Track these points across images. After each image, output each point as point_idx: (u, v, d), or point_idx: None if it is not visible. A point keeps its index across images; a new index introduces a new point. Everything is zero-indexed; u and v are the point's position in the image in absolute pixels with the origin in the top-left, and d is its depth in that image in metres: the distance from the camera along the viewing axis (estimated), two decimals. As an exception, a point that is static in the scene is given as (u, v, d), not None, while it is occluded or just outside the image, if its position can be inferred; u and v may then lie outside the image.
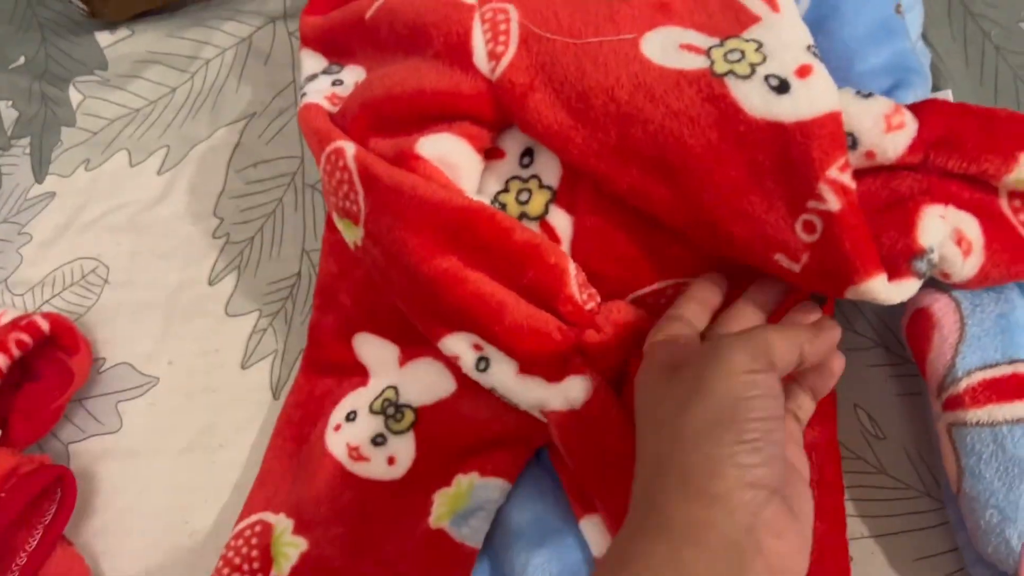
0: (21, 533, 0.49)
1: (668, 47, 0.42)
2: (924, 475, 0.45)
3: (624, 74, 0.41)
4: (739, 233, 0.39)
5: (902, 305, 0.48)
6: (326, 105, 0.50)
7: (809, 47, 0.40)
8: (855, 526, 0.45)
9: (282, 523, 0.47)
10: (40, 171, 0.63)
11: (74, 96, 0.65)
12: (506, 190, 0.47)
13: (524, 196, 0.47)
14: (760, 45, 0.40)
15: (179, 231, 0.59)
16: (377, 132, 0.48)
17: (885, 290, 0.38)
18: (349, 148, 0.45)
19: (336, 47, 0.54)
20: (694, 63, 0.41)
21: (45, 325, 0.53)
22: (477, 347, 0.44)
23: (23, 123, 0.65)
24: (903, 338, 0.45)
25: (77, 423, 0.54)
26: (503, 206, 0.47)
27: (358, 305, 0.51)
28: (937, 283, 0.44)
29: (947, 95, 0.48)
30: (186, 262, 0.58)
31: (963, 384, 0.41)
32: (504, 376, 0.43)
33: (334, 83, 0.52)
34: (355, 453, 0.47)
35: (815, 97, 0.38)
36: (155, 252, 0.58)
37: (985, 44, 0.53)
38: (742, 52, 0.40)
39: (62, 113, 0.64)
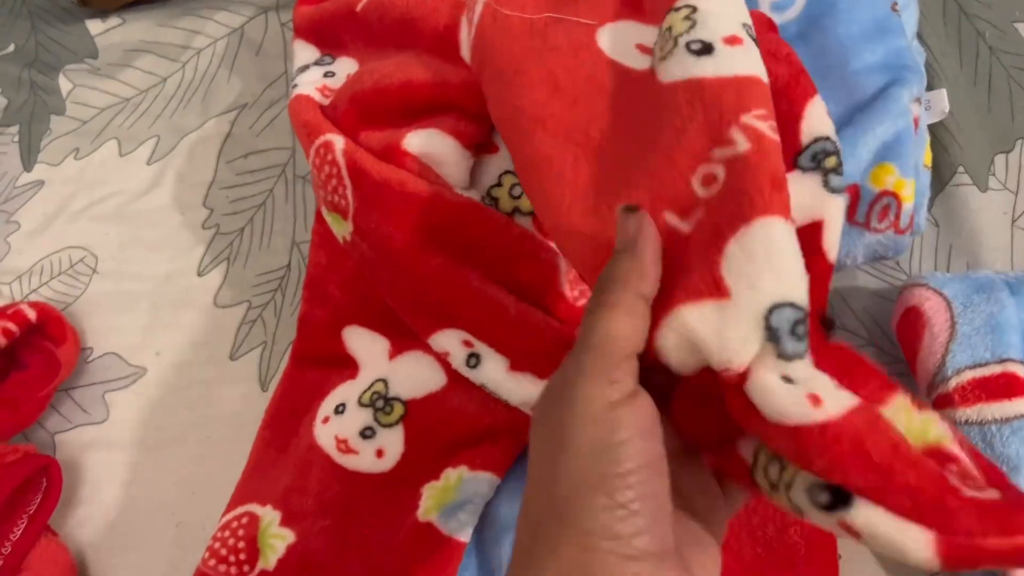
0: (6, 523, 0.48)
1: (625, 43, 0.38)
2: (913, 474, 0.45)
3: (573, 61, 0.38)
4: (636, 196, 0.33)
5: (894, 302, 0.48)
6: (317, 97, 0.50)
7: (745, 25, 0.35)
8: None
9: (269, 515, 0.47)
10: (29, 159, 0.62)
11: (64, 85, 0.64)
12: (499, 184, 0.47)
13: (517, 191, 0.47)
14: (693, 10, 0.35)
15: (168, 221, 0.58)
16: (367, 125, 0.47)
17: (784, 235, 0.30)
18: (338, 142, 0.44)
19: (328, 38, 0.54)
20: (643, 64, 0.37)
21: (32, 314, 0.52)
22: (467, 343, 0.44)
23: (12, 111, 0.64)
24: (894, 337, 0.45)
25: (63, 413, 0.54)
26: (495, 200, 0.47)
27: (348, 297, 0.51)
28: (927, 282, 0.44)
29: (942, 94, 0.48)
30: (175, 253, 0.57)
31: (953, 383, 0.41)
32: (495, 373, 0.43)
33: (326, 75, 0.52)
34: (343, 446, 0.47)
35: (740, 61, 0.33)
36: (144, 242, 0.58)
37: (979, 44, 0.53)
38: (670, 27, 0.35)
39: (52, 101, 0.64)
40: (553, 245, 0.44)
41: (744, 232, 0.29)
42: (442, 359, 0.47)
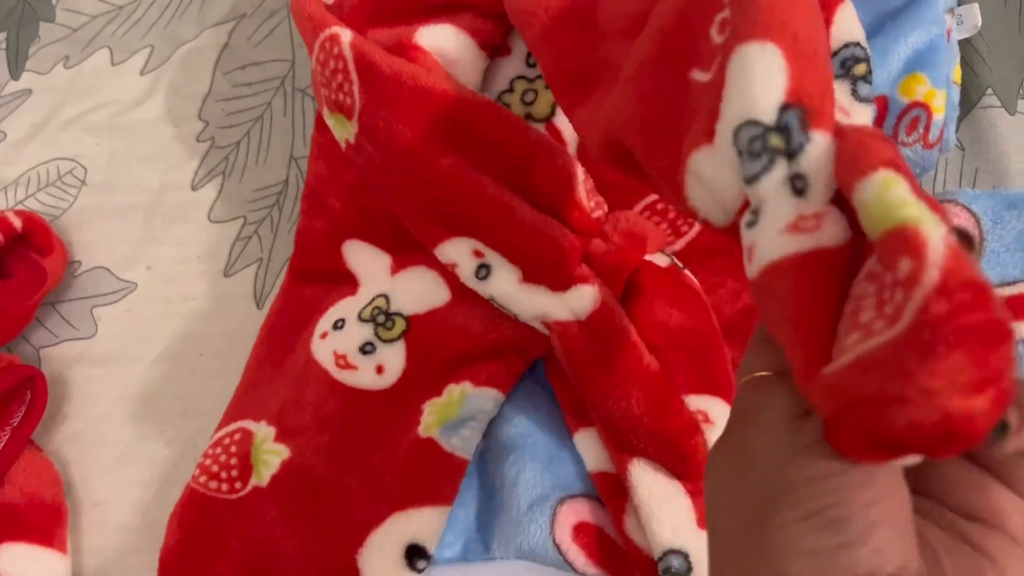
0: (-13, 434, 0.46)
1: None
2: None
3: None
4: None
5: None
6: None
7: None
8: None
9: (263, 431, 0.45)
10: (16, 67, 0.60)
11: (54, -9, 0.62)
12: (510, 90, 0.45)
13: (530, 96, 0.45)
14: None
15: (162, 134, 0.56)
16: (376, 23, 0.45)
17: (756, 56, 0.26)
18: (345, 35, 0.42)
19: None
20: None
21: (17, 223, 0.50)
22: (478, 253, 0.42)
23: (-1, 17, 0.61)
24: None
25: (49, 327, 0.52)
26: (507, 106, 0.45)
27: (348, 210, 0.49)
28: (956, 197, 0.42)
29: (974, 8, 0.46)
30: (168, 165, 0.55)
31: (980, 302, 0.40)
32: (506, 284, 0.41)
33: None
34: (342, 361, 0.45)
35: None
36: (136, 154, 0.56)
37: (1012, -36, 0.51)
38: None
39: (40, 8, 0.61)
40: (570, 151, 0.42)
41: (730, 62, 0.26)
42: (447, 273, 0.45)
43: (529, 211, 0.40)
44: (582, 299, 0.40)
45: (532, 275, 0.41)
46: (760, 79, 0.24)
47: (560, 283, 0.41)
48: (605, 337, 0.40)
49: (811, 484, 0.21)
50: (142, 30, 0.59)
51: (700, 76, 0.28)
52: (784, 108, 0.24)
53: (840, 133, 0.23)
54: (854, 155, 0.22)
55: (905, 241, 0.19)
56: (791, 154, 0.23)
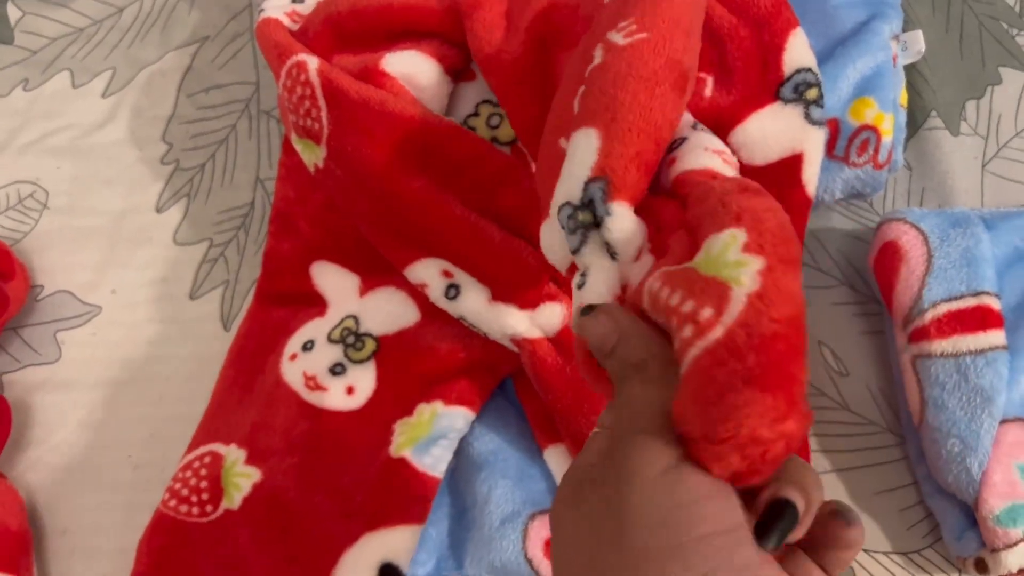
0: (-50, 462, 0.46)
1: None
2: (885, 411, 0.46)
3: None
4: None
5: (867, 242, 0.48)
6: (286, 21, 0.48)
7: None
8: (818, 460, 0.45)
9: (233, 454, 0.45)
10: (-27, 89, 0.59)
11: (12, 12, 0.61)
12: (476, 114, 0.46)
13: (495, 120, 0.45)
14: None
15: (125, 156, 0.56)
16: (341, 49, 0.46)
17: (580, 142, 0.31)
18: (312, 62, 0.43)
19: None
20: None
21: (-23, 247, 0.50)
22: (447, 274, 0.42)
23: (-45, 39, 0.61)
24: (870, 272, 0.45)
25: (11, 352, 0.51)
26: (472, 130, 0.46)
27: (316, 232, 0.49)
28: (905, 216, 0.44)
29: (918, 35, 0.48)
30: (132, 188, 0.55)
31: (929, 316, 0.42)
32: (475, 304, 0.42)
33: (294, 0, 0.50)
34: (312, 383, 0.46)
35: None
36: (98, 177, 0.55)
37: (952, -9, 0.54)
38: None
39: (-2, 30, 0.61)
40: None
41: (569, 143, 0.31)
42: (416, 293, 0.46)
43: (497, 231, 0.41)
44: (551, 317, 0.41)
45: (501, 294, 0.42)
46: (576, 164, 0.29)
47: (529, 301, 0.42)
48: (573, 353, 0.41)
49: (699, 543, 0.21)
50: (103, 52, 0.59)
51: (564, 144, 0.32)
52: (588, 183, 0.28)
53: (709, 189, 0.26)
54: (714, 212, 0.25)
55: (715, 293, 0.23)
56: (598, 224, 0.28)
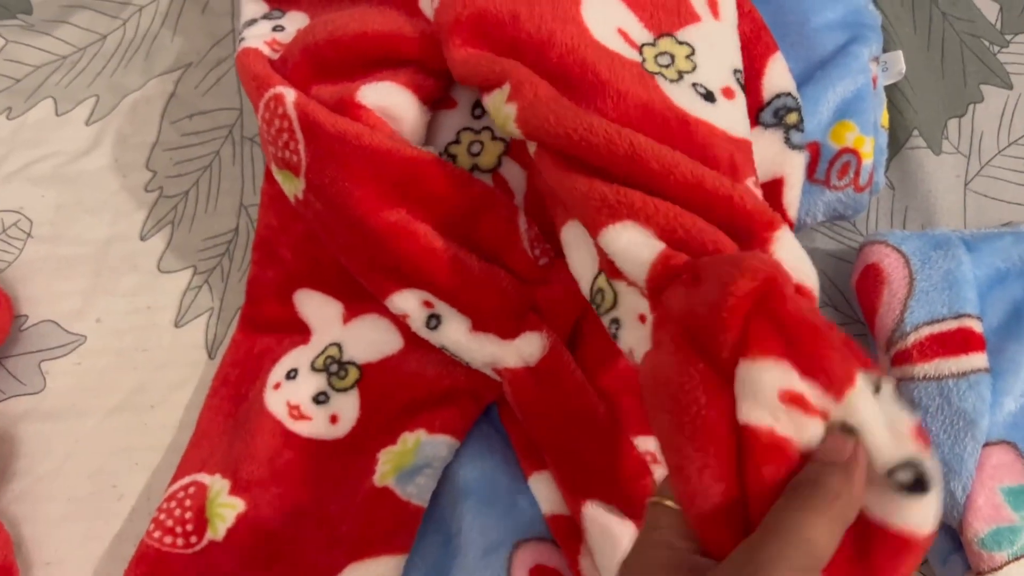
0: (-67, 497, 0.46)
1: (607, 23, 0.41)
2: (870, 433, 0.45)
3: (559, 32, 0.39)
4: None
5: (851, 263, 0.48)
6: (266, 51, 0.48)
7: (736, 72, 0.41)
8: (802, 483, 0.45)
9: (218, 484, 0.45)
10: (-43, 118, 0.59)
11: (-6, 41, 0.61)
12: (457, 141, 0.46)
13: (476, 148, 0.46)
14: (692, 52, 0.41)
15: (109, 184, 0.56)
16: (319, 79, 0.46)
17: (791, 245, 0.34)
18: (289, 95, 0.43)
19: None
20: (628, 53, 0.40)
21: (-39, 279, 0.50)
22: (427, 304, 0.42)
23: (-62, 67, 0.61)
24: (853, 294, 0.45)
25: (-5, 383, 0.51)
26: (453, 158, 0.46)
27: (299, 260, 0.49)
28: (886, 239, 0.44)
29: (898, 56, 0.48)
30: (116, 216, 0.55)
31: (911, 339, 0.42)
32: (456, 334, 0.42)
33: (275, 28, 0.50)
34: (296, 412, 0.46)
35: (737, 119, 0.39)
36: (82, 205, 0.55)
37: (932, 9, 0.54)
38: (672, 57, 0.41)
39: (-19, 58, 0.61)
40: (516, 203, 0.43)
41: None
42: (399, 321, 0.46)
43: (476, 261, 0.41)
44: (531, 346, 0.41)
45: (481, 323, 0.42)
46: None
47: (509, 331, 0.42)
48: (554, 383, 0.41)
49: None
50: (87, 80, 0.59)
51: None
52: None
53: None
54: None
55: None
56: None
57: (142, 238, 0.54)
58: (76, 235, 0.55)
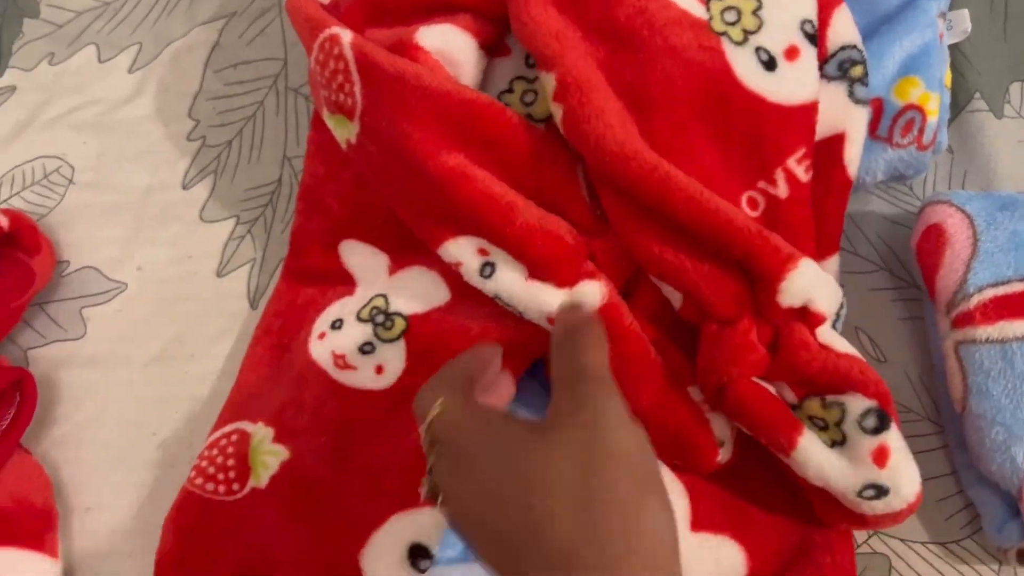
0: (-24, 437, 0.45)
1: None
2: (924, 399, 0.45)
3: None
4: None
5: (907, 227, 0.47)
6: None
7: (804, 23, 0.41)
8: (854, 447, 0.44)
9: (261, 432, 0.45)
10: (-1, 63, 0.59)
11: (38, -14, 0.61)
12: (510, 90, 0.45)
13: (529, 97, 0.45)
14: (759, 6, 0.41)
15: (151, 132, 0.55)
16: (373, 23, 0.45)
17: (807, 275, 0.38)
18: (345, 35, 0.42)
19: None
20: (696, 10, 0.41)
21: (4, 221, 0.49)
22: (482, 252, 0.41)
23: (-20, 12, 0.60)
24: (911, 256, 0.44)
25: (37, 328, 0.51)
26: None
27: (346, 210, 0.48)
28: (950, 199, 0.43)
29: (964, 14, 0.47)
30: (158, 165, 0.54)
31: (974, 300, 0.41)
32: (511, 283, 0.41)
33: None
34: (341, 361, 0.45)
35: (798, 84, 0.40)
36: (124, 153, 0.55)
37: (997, -29, 0.52)
38: (739, 12, 0.41)
39: (24, 3, 0.60)
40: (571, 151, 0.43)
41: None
42: (447, 273, 0.45)
43: (534, 208, 0.40)
44: (589, 295, 0.40)
45: (538, 272, 0.41)
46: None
47: (566, 280, 0.41)
48: (611, 333, 0.40)
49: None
50: (130, 27, 0.58)
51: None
52: None
53: None
54: None
55: None
56: None
57: (184, 187, 0.54)
58: (118, 183, 0.54)
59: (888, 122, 0.43)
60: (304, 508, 0.43)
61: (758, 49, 0.41)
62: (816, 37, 0.41)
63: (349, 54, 0.41)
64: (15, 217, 0.50)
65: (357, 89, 0.41)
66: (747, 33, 0.41)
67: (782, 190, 0.40)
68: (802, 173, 0.40)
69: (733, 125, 0.41)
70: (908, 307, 0.46)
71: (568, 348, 0.31)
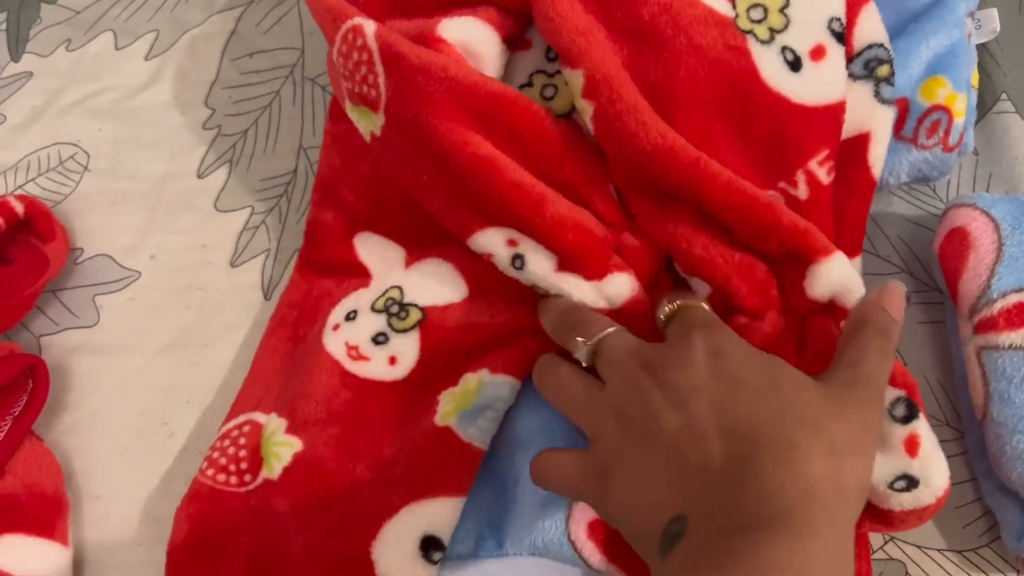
0: (-12, 423, 0.45)
1: None
2: (944, 404, 0.44)
3: None
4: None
5: (929, 229, 0.47)
6: None
7: (832, 20, 0.41)
8: (871, 451, 0.43)
9: (273, 423, 0.45)
10: (16, 49, 0.58)
11: (55, -28, 0.60)
12: (529, 84, 0.45)
13: (550, 92, 0.44)
14: (786, 4, 0.41)
15: (167, 120, 0.55)
16: (394, 14, 0.44)
17: (842, 267, 0.38)
18: (369, 26, 0.41)
19: None
20: (721, 7, 0.41)
21: (19, 208, 0.49)
22: (512, 242, 0.41)
23: (-2, -3, 0.60)
24: (934, 259, 0.44)
25: (50, 315, 0.51)
26: (527, 101, 0.44)
27: (362, 202, 0.48)
28: (975, 202, 0.42)
29: (993, 13, 0.46)
30: (173, 153, 0.54)
31: (997, 306, 0.40)
32: (542, 272, 0.41)
33: None
34: (354, 352, 0.45)
35: (823, 85, 0.40)
36: (140, 141, 0.55)
37: (1025, -29, 0.51)
38: (765, 10, 0.41)
39: (41, -12, 0.60)
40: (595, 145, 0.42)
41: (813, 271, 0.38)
42: (464, 267, 0.45)
43: (564, 200, 0.40)
44: (618, 287, 0.40)
45: (568, 263, 0.41)
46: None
47: (595, 272, 0.40)
48: (636, 325, 0.40)
49: None
50: (147, 14, 0.58)
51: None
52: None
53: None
54: None
55: None
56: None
57: (199, 176, 0.53)
58: (133, 170, 0.54)
59: (913, 123, 0.42)
60: (316, 499, 0.43)
61: (784, 49, 0.40)
62: (844, 35, 0.40)
63: (373, 45, 0.41)
64: (30, 203, 0.50)
65: (381, 81, 0.41)
66: (773, 32, 0.40)
67: (802, 191, 0.40)
68: (824, 175, 0.40)
69: (755, 125, 0.40)
70: (928, 310, 0.46)
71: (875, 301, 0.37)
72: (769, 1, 0.41)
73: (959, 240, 0.42)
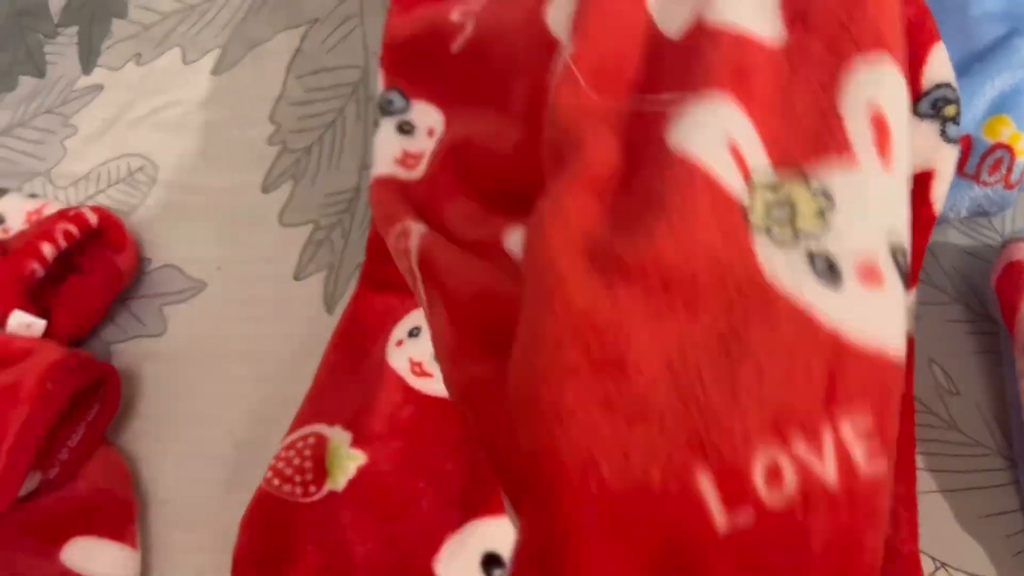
0: (63, 428, 0.47)
1: (715, 134, 0.29)
2: (995, 433, 0.45)
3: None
4: None
5: (984, 260, 0.47)
6: (399, 173, 0.47)
7: (894, 246, 0.27)
8: (924, 480, 0.44)
9: (339, 435, 0.46)
10: (88, 62, 0.60)
11: (126, -13, 0.62)
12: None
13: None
14: (828, 203, 0.27)
15: (232, 134, 0.56)
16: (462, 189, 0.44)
17: None
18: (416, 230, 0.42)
19: (407, 71, 0.50)
20: (731, 180, 0.27)
21: (93, 218, 0.51)
22: None
23: (71, 11, 0.62)
24: (990, 291, 0.45)
25: (120, 323, 0.52)
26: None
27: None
28: (1035, 238, 0.43)
29: (1056, 50, 0.47)
30: (239, 167, 0.56)
31: (1056, 341, 0.41)
32: None
33: (401, 129, 0.49)
34: (418, 368, 0.46)
35: (870, 320, 0.25)
36: (206, 154, 0.56)
37: (1084, 7, 0.52)
38: (792, 208, 0.27)
39: (113, 4, 0.61)
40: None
41: None
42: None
43: None
44: None
45: None
46: None
47: None
48: None
49: None
50: (214, 30, 0.60)
51: None
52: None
53: None
54: None
55: None
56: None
57: (264, 190, 0.55)
58: (199, 183, 0.56)
59: (976, 160, 0.43)
60: (378, 512, 0.44)
61: (813, 257, 0.26)
62: (908, 273, 0.28)
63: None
64: (103, 215, 0.51)
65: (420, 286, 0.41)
66: (799, 233, 0.27)
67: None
68: (863, 462, 0.24)
69: (779, 345, 0.25)
70: (983, 340, 0.47)
71: None
72: (803, 197, 0.27)
73: (1017, 274, 0.43)
